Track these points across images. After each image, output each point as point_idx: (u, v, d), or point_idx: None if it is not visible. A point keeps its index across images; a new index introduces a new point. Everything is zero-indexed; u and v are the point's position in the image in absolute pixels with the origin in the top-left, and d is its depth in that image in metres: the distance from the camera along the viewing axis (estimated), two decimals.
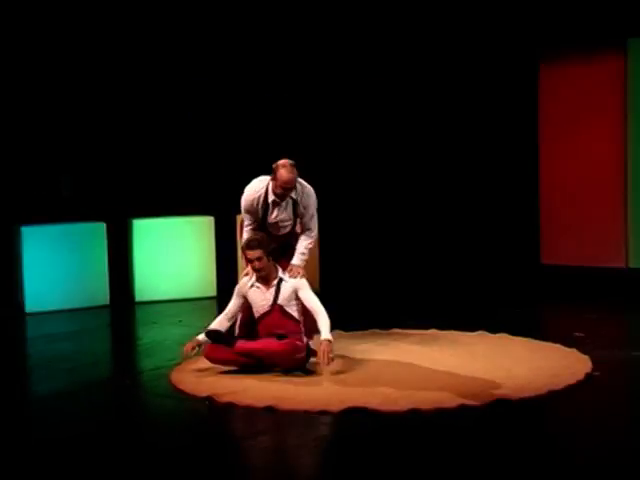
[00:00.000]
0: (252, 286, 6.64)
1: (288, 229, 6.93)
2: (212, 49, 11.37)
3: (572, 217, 10.83)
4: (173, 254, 10.26)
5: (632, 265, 10.46)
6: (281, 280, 6.59)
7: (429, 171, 11.70)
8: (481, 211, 11.46)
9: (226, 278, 10.49)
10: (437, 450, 5.00)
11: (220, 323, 6.68)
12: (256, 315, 6.65)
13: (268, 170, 6.80)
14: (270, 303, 6.58)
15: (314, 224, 6.89)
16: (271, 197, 6.80)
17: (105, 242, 10.04)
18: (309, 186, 6.89)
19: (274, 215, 6.84)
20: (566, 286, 10.35)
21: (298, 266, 6.73)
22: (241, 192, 6.98)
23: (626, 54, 10.41)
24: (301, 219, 6.89)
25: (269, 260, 6.55)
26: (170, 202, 10.78)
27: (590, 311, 8.79)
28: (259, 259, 6.48)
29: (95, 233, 10.02)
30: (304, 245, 6.84)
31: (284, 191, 6.72)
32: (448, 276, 11.12)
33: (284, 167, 6.66)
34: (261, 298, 6.61)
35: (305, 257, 6.83)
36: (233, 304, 6.73)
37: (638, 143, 10.38)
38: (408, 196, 11.80)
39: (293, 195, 6.79)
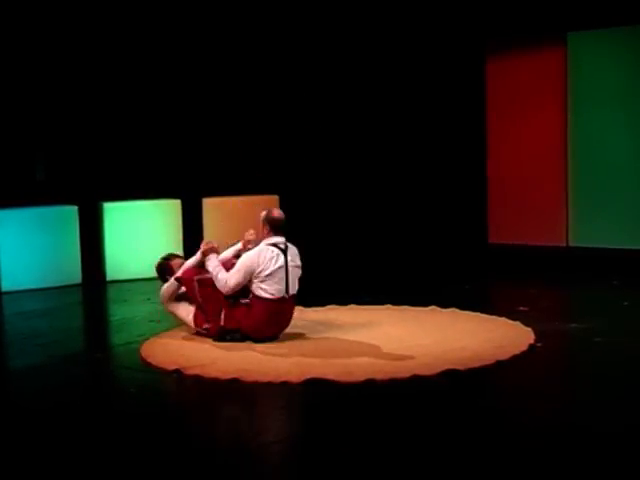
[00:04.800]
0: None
1: None
2: (182, 37, 11.29)
3: (517, 200, 10.92)
4: (142, 235, 10.19)
5: (572, 244, 10.58)
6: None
7: (382, 155, 11.71)
8: (433, 195, 11.50)
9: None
10: (391, 418, 5.02)
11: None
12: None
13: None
14: None
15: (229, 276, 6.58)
16: None
17: (77, 224, 9.97)
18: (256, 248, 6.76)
19: None
20: (511, 263, 10.44)
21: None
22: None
23: (566, 47, 10.50)
24: None
25: None
26: (139, 186, 10.70)
27: (533, 286, 8.87)
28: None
29: (68, 216, 9.93)
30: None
31: None
32: (402, 255, 11.16)
33: None
34: None
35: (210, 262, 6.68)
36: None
37: (578, 129, 10.48)
38: (362, 178, 11.80)
39: None
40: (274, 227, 6.63)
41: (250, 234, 6.95)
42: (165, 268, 7.12)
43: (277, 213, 6.73)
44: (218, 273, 6.58)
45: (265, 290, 6.51)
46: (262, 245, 6.62)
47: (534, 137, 10.78)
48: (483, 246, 11.13)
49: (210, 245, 6.75)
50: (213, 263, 6.65)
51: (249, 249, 6.76)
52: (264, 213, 6.70)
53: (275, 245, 6.58)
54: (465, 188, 11.28)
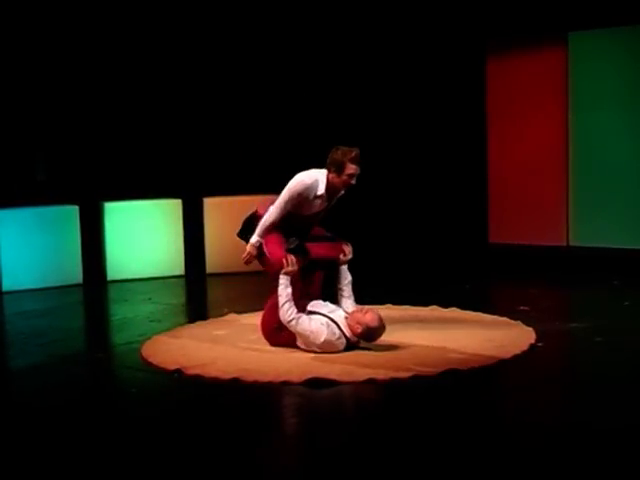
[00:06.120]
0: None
1: None
2: (182, 37, 11.29)
3: (518, 199, 10.91)
4: (143, 235, 10.21)
5: (572, 243, 10.58)
6: None
7: (383, 154, 11.68)
8: (434, 195, 11.49)
9: (193, 257, 10.47)
10: (392, 418, 5.02)
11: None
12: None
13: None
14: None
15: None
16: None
17: (78, 224, 9.97)
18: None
19: None
20: (512, 263, 10.44)
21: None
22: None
23: (567, 47, 10.49)
24: None
25: None
26: (139, 186, 10.70)
27: (534, 286, 8.87)
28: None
29: (68, 215, 9.94)
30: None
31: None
32: (402, 254, 11.16)
33: None
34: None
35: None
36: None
37: (578, 129, 10.47)
38: (362, 178, 11.75)
39: None
40: (366, 336, 6.24)
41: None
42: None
43: (377, 337, 6.25)
44: (287, 304, 6.18)
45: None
46: (348, 332, 6.20)
47: (535, 137, 10.77)
48: (483, 246, 11.12)
49: (292, 270, 6.27)
50: (286, 291, 6.20)
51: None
52: (375, 323, 6.18)
53: (348, 340, 6.23)
54: (465, 188, 11.27)
